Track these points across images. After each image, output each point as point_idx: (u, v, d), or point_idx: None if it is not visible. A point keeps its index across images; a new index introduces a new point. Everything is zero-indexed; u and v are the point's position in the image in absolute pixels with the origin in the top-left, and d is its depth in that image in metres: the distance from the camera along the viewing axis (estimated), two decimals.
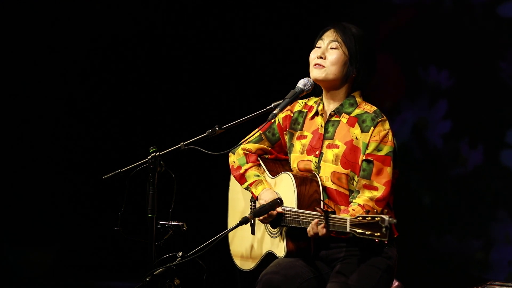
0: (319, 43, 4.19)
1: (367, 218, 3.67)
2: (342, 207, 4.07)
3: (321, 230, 3.87)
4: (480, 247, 6.29)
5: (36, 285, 6.95)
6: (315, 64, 4.15)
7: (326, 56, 4.15)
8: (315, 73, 4.15)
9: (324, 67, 4.13)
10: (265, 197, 4.16)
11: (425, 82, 6.52)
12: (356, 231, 3.69)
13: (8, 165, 6.92)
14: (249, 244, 4.35)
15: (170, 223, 4.16)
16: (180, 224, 4.19)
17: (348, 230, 3.73)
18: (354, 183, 4.10)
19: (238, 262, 4.42)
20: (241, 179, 4.32)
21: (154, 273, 3.89)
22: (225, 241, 4.43)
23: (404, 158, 6.50)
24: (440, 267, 6.38)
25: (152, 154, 3.95)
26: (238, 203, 4.47)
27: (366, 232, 3.66)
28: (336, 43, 4.14)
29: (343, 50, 4.13)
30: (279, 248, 4.15)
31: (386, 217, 3.62)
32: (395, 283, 5.16)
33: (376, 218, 3.64)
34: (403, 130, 6.57)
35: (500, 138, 6.28)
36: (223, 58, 7.19)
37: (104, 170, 4.30)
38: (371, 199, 4.00)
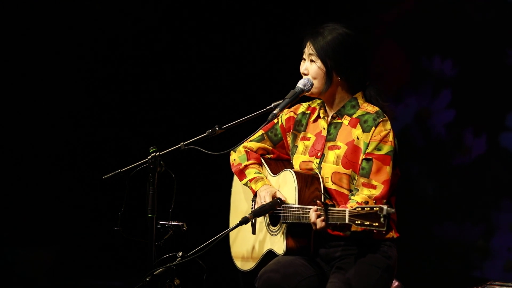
0: (304, 54, 4.24)
1: (365, 209, 3.71)
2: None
3: (320, 223, 3.88)
4: (484, 236, 6.29)
5: (36, 285, 6.95)
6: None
7: (309, 71, 4.18)
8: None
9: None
10: (264, 193, 4.17)
11: (429, 71, 6.52)
12: (355, 221, 3.71)
13: (8, 165, 6.92)
14: (250, 244, 4.35)
15: (170, 223, 4.17)
16: (180, 224, 4.19)
17: (347, 221, 3.75)
18: (355, 182, 4.11)
19: (238, 264, 4.42)
20: (241, 175, 4.34)
21: (154, 273, 3.89)
22: (226, 243, 4.44)
23: (407, 147, 6.51)
24: (442, 255, 6.38)
25: (152, 154, 3.95)
26: (240, 203, 4.47)
27: (365, 222, 3.69)
28: (312, 56, 4.18)
29: (318, 64, 4.15)
30: (279, 245, 4.15)
31: (384, 207, 3.66)
32: (395, 283, 5.16)
33: (374, 208, 3.68)
34: (406, 118, 6.57)
35: (505, 127, 6.27)
36: (224, 58, 7.19)
37: (104, 170, 4.30)
38: (369, 197, 4.01)
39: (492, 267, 6.26)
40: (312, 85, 4.20)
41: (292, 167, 4.29)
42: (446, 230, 6.40)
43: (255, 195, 4.28)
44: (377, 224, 3.66)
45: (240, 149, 4.38)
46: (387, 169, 4.06)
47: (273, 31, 7.08)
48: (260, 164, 4.37)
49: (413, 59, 6.57)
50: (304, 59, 4.22)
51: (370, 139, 4.09)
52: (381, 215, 3.65)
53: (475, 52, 6.33)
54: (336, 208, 3.84)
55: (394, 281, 5.07)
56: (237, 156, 4.38)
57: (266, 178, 4.31)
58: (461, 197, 6.36)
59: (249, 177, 4.31)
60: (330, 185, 4.13)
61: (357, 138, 4.12)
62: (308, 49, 4.19)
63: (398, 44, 6.61)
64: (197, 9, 7.21)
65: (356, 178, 4.10)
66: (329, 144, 4.18)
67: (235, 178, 4.47)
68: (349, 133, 4.14)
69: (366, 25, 6.67)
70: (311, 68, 4.18)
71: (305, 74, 4.20)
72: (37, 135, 7.00)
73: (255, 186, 4.26)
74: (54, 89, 7.04)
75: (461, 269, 6.35)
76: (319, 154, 4.18)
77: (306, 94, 4.21)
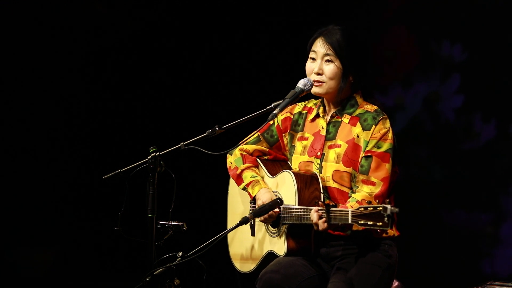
0: (312, 54, 4.20)
1: (369, 209, 3.69)
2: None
3: (322, 224, 3.88)
4: (492, 222, 6.28)
5: (37, 285, 6.96)
6: (314, 81, 4.17)
7: (324, 71, 4.16)
8: (316, 90, 4.18)
9: (323, 83, 4.16)
10: (262, 197, 4.17)
11: (438, 56, 6.50)
12: (358, 222, 3.70)
13: (8, 165, 6.92)
14: (249, 245, 4.35)
15: (170, 223, 4.17)
16: (180, 224, 4.19)
17: (350, 221, 3.74)
18: (355, 180, 4.11)
19: (237, 265, 4.42)
20: (238, 179, 4.34)
21: (154, 273, 3.89)
22: (224, 244, 4.43)
23: (416, 132, 6.51)
24: (451, 241, 6.37)
25: (152, 154, 3.95)
26: (237, 205, 4.47)
27: (368, 222, 3.67)
28: (329, 56, 4.15)
29: (336, 64, 4.14)
30: (280, 246, 4.15)
31: (388, 206, 3.64)
32: (395, 283, 5.16)
33: (378, 208, 3.66)
34: (415, 103, 6.56)
35: None
36: (223, 58, 7.19)
37: (104, 170, 4.30)
38: (369, 194, 4.02)
39: (501, 256, 6.25)
40: (312, 85, 4.20)
41: (289, 167, 4.29)
42: (454, 216, 6.39)
43: (253, 199, 4.28)
44: (381, 223, 3.65)
45: (236, 152, 4.38)
46: (387, 166, 4.07)
47: (273, 31, 7.08)
48: (257, 166, 4.37)
49: (422, 43, 6.55)
50: (313, 59, 4.19)
51: (370, 137, 4.10)
52: (385, 215, 3.63)
53: (484, 37, 6.30)
54: (338, 209, 3.83)
55: (394, 281, 5.06)
56: (233, 160, 4.38)
57: (263, 179, 4.31)
58: (469, 183, 6.34)
59: (246, 181, 4.31)
60: (331, 183, 4.13)
61: (357, 136, 4.13)
62: (324, 49, 4.15)
63: (407, 28, 6.59)
64: (197, 10, 7.21)
65: (356, 176, 4.11)
66: (328, 143, 4.18)
67: (231, 180, 4.47)
68: (349, 131, 4.15)
69: (375, 11, 6.67)
70: (327, 68, 4.15)
71: (319, 74, 4.17)
72: (37, 135, 7.00)
73: (252, 190, 4.26)
74: (54, 89, 7.04)
75: (469, 257, 6.33)
76: (318, 153, 4.19)
77: (316, 94, 4.20)
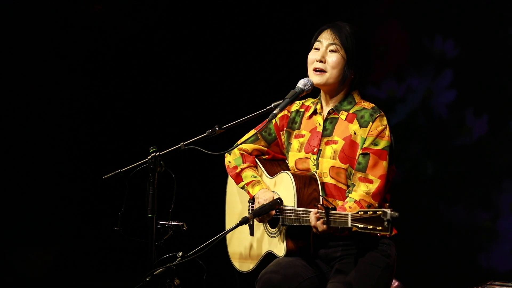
0: (317, 45, 4.20)
1: (368, 213, 3.68)
2: (340, 202, 4.09)
3: (322, 226, 3.88)
4: (486, 217, 6.28)
5: (37, 285, 6.96)
6: (315, 69, 4.17)
7: (326, 60, 4.16)
8: (316, 79, 4.17)
9: (324, 72, 4.16)
10: (263, 197, 4.17)
11: (431, 51, 6.51)
12: (357, 225, 3.70)
13: (8, 165, 6.92)
14: (248, 245, 4.35)
15: (170, 223, 4.17)
16: (180, 224, 4.20)
17: (349, 225, 3.74)
18: (352, 177, 4.11)
19: (236, 264, 4.42)
20: (237, 178, 4.34)
21: (154, 273, 3.89)
22: (222, 243, 4.43)
23: (409, 128, 6.52)
24: (445, 238, 6.37)
25: (152, 154, 3.95)
26: (235, 205, 4.47)
27: (368, 227, 3.67)
28: (335, 45, 4.15)
29: (341, 53, 4.15)
30: (279, 247, 4.15)
31: (388, 211, 3.63)
32: (395, 283, 5.16)
33: (377, 212, 3.65)
34: (408, 99, 6.57)
35: (507, 108, 6.25)
36: (223, 58, 7.20)
37: (104, 170, 4.30)
38: (367, 193, 4.02)
39: (498, 252, 6.25)
40: (312, 85, 4.20)
41: (287, 168, 4.29)
42: (449, 212, 6.39)
43: (252, 198, 4.28)
44: (380, 228, 3.64)
45: (235, 151, 4.38)
46: (384, 163, 4.07)
47: (273, 31, 7.08)
48: (256, 166, 4.37)
49: (415, 39, 6.56)
50: (317, 49, 4.20)
51: (367, 134, 4.10)
52: (385, 219, 3.63)
53: (476, 32, 6.30)
54: (338, 212, 3.83)
55: (394, 281, 5.07)
56: (232, 159, 4.38)
57: (262, 178, 4.31)
58: (462, 178, 6.35)
59: (246, 180, 4.31)
60: (328, 179, 4.13)
61: (354, 133, 4.12)
62: (329, 39, 4.16)
63: (400, 23, 6.60)
64: (197, 10, 7.21)
65: (352, 173, 4.11)
66: (325, 139, 4.18)
67: (229, 180, 4.47)
68: (346, 127, 4.15)
69: (368, 6, 6.68)
70: (331, 57, 4.15)
71: (321, 62, 4.19)
72: (37, 135, 7.00)
73: (252, 190, 4.26)
74: (54, 89, 7.05)
75: (466, 253, 6.33)
76: (315, 150, 4.19)
77: (318, 87, 4.20)
